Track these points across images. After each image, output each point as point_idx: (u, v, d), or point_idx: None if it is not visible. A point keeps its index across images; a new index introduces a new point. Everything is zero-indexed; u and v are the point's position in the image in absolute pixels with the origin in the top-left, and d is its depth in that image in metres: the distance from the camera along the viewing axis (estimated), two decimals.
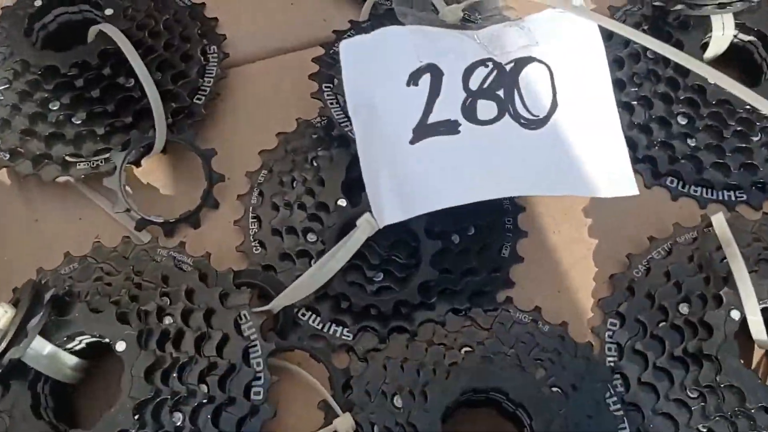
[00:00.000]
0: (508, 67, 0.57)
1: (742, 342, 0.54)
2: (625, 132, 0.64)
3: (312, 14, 0.75)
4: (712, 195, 0.65)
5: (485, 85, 0.57)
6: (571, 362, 0.55)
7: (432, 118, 0.56)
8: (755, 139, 0.63)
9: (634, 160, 0.66)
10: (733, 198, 0.65)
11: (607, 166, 0.56)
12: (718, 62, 0.67)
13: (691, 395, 0.53)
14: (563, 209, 0.65)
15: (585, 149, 0.56)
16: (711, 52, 0.67)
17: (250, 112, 0.71)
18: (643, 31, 0.67)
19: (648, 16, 0.68)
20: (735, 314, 0.52)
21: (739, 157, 0.64)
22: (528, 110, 0.56)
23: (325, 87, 0.63)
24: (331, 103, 0.62)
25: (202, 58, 0.70)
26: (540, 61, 0.58)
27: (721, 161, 0.63)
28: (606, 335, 0.58)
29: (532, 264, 0.63)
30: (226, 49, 0.72)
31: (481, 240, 0.61)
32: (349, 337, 0.59)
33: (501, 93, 0.57)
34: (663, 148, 0.65)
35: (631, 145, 0.66)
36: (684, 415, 0.53)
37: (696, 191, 0.65)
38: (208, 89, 0.69)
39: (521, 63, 0.58)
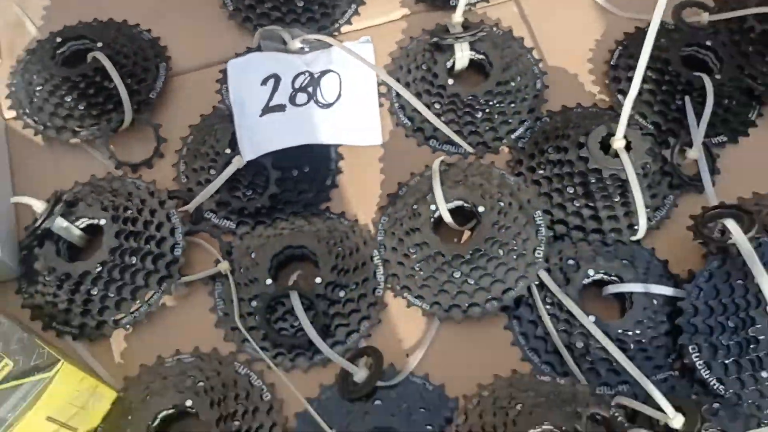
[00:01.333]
0: (316, 75, 0.89)
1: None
2: (408, 112, 0.96)
3: (229, 41, 0.98)
4: (455, 149, 0.93)
5: (302, 85, 0.88)
6: (354, 237, 0.90)
7: (272, 103, 0.86)
8: (478, 116, 0.95)
9: (413, 130, 0.97)
10: (467, 152, 0.96)
11: (365, 128, 0.89)
12: (468, 70, 0.94)
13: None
14: (367, 157, 0.91)
15: (354, 119, 0.89)
16: (459, 65, 0.93)
17: (185, 102, 0.94)
18: (425, 50, 0.98)
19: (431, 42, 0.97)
20: (432, 207, 0.87)
21: (469, 128, 0.95)
22: (324, 98, 0.88)
23: (224, 87, 0.93)
24: (226, 99, 0.91)
25: (156, 70, 0.94)
26: (334, 72, 0.90)
27: (457, 130, 0.96)
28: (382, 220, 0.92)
29: (345, 188, 0.91)
30: (171, 64, 0.95)
31: (313, 173, 0.89)
32: (233, 226, 0.87)
33: (310, 89, 0.87)
34: (428, 122, 0.91)
35: (412, 119, 0.98)
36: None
37: (446, 148, 0.94)
38: (159, 88, 0.93)
39: (324, 73, 0.89)
